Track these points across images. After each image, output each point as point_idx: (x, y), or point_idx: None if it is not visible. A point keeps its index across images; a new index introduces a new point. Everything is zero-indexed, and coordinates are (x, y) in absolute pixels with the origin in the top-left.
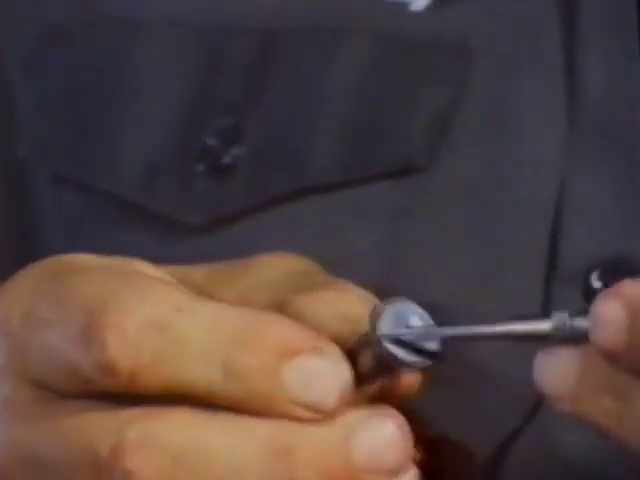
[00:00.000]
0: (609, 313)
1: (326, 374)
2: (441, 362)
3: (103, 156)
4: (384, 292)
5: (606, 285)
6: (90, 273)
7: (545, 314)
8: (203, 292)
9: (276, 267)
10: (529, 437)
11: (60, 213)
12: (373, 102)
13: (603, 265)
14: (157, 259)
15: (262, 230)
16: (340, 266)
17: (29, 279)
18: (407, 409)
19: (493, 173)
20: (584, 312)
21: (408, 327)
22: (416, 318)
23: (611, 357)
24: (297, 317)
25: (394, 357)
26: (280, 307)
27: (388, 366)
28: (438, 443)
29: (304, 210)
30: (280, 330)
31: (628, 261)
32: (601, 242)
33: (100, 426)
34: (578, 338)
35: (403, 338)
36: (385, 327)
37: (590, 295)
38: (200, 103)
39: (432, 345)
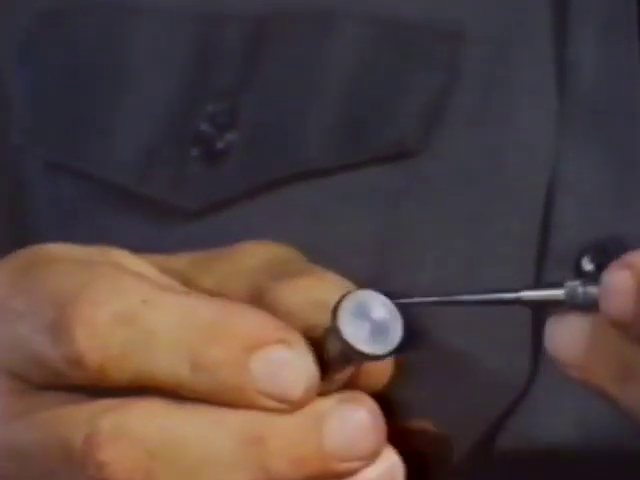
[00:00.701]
0: (618, 282)
1: (292, 365)
2: (404, 352)
3: (97, 143)
4: (377, 277)
5: (598, 268)
6: (61, 264)
7: (558, 283)
8: (184, 280)
9: (256, 254)
10: (517, 421)
11: (53, 200)
12: (367, 87)
13: (595, 248)
14: (151, 245)
15: (256, 215)
16: (334, 250)
17: (4, 270)
18: (388, 397)
19: (486, 157)
20: (597, 281)
21: (369, 316)
22: (380, 308)
23: (620, 326)
24: (272, 305)
25: (352, 348)
26: (257, 295)
27: (351, 356)
28: (422, 432)
29: (298, 195)
30: (247, 322)
31: (620, 243)
32: (593, 225)
33: (73, 417)
34: (590, 306)
35: (365, 328)
36: (345, 316)
37: (583, 277)
38: (193, 89)
39: (395, 334)
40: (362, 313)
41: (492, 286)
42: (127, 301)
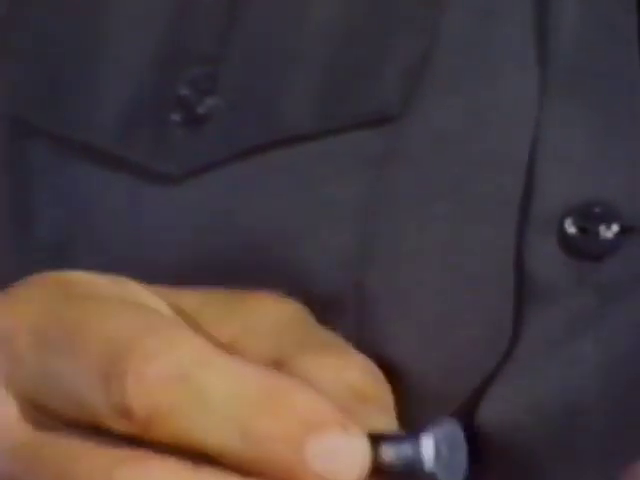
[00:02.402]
0: None
1: (348, 451)
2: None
3: (75, 106)
4: (361, 243)
5: (581, 231)
6: (110, 306)
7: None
8: (199, 320)
9: (274, 311)
10: (505, 383)
11: (25, 163)
12: (349, 51)
13: (578, 211)
14: (132, 209)
15: (239, 180)
16: (317, 215)
17: (37, 294)
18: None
19: (468, 121)
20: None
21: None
22: (458, 442)
23: None
24: (299, 377)
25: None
26: (279, 360)
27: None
28: None
29: (281, 160)
30: (305, 400)
31: (603, 206)
32: (576, 188)
33: (90, 463)
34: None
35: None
36: (430, 449)
37: (565, 241)
38: (172, 52)
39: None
40: (444, 445)
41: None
42: (181, 358)
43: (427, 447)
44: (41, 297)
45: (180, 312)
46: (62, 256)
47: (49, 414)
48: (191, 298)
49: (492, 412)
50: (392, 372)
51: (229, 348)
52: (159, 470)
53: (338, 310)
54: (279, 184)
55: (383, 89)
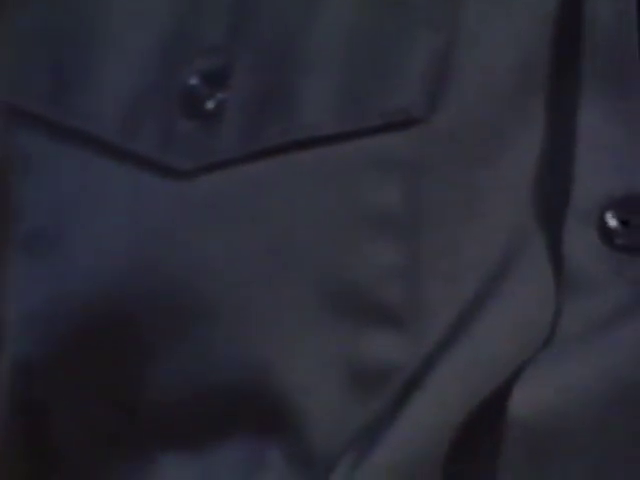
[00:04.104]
0: None
1: None
2: None
3: (77, 95)
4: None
5: (622, 223)
6: None
7: None
8: None
9: None
10: (540, 369)
11: (23, 153)
12: (367, 47)
13: (619, 203)
14: (129, 200)
15: (252, 181)
16: (345, 223)
17: None
18: None
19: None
20: None
21: None
22: None
23: None
24: None
25: None
26: None
27: None
28: None
29: (303, 162)
30: None
31: None
32: (617, 179)
33: None
34: None
35: None
36: None
37: (606, 233)
38: (180, 41)
39: None
40: None
41: None
42: None
43: None
44: None
45: None
46: (49, 243)
47: None
48: None
49: (524, 396)
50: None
51: None
52: None
53: (393, 324)
54: (301, 186)
55: (407, 88)
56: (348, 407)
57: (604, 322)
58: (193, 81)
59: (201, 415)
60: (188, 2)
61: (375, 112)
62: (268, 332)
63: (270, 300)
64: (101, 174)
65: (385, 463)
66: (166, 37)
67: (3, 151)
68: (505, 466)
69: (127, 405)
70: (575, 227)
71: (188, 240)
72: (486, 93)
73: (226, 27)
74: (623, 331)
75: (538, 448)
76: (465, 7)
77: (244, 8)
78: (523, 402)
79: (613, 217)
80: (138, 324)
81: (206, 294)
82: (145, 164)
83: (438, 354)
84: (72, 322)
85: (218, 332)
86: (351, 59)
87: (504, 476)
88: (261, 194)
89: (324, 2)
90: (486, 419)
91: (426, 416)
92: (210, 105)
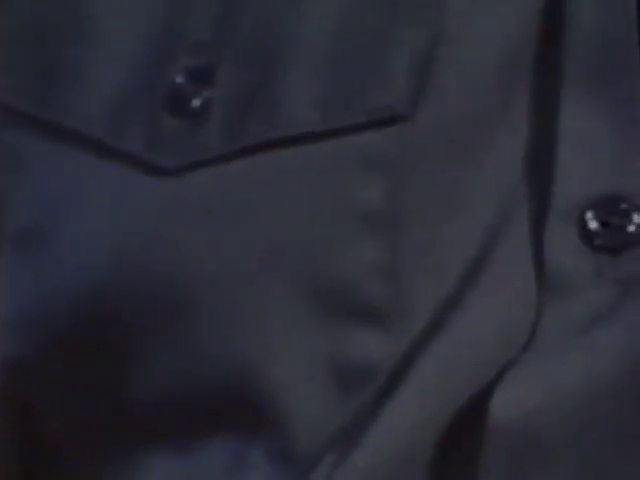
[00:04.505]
0: None
1: None
2: None
3: (63, 92)
4: (385, 260)
5: (602, 224)
6: None
7: None
8: None
9: None
10: (522, 371)
11: (11, 151)
12: (351, 44)
13: (599, 203)
14: (117, 197)
15: (238, 178)
16: (323, 224)
17: None
18: None
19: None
20: None
21: None
22: None
23: None
24: None
25: None
26: None
27: None
28: None
29: (286, 159)
30: None
31: (624, 200)
32: (597, 180)
33: None
34: None
35: None
36: None
37: (586, 234)
38: (166, 38)
39: None
40: None
41: None
42: None
43: None
44: None
45: None
46: (37, 242)
47: None
48: None
49: (505, 400)
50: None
51: None
52: None
53: (377, 321)
54: (287, 184)
55: (391, 85)
56: (331, 405)
57: (585, 323)
58: (179, 79)
59: (186, 414)
60: (174, 0)
61: (360, 109)
62: (252, 330)
63: (254, 298)
64: (89, 173)
65: (366, 463)
66: (152, 35)
67: None
68: (486, 469)
69: (112, 405)
70: (556, 227)
71: (174, 238)
72: (470, 90)
73: (211, 24)
74: (604, 332)
75: (519, 451)
76: (449, 4)
77: (229, 5)
78: (504, 405)
79: (593, 218)
80: (123, 323)
81: (191, 292)
82: (132, 162)
83: (419, 352)
84: (58, 321)
85: (202, 330)
86: (336, 56)
87: (485, 479)
88: (246, 192)
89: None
90: (467, 421)
91: (407, 416)
92: (196, 103)
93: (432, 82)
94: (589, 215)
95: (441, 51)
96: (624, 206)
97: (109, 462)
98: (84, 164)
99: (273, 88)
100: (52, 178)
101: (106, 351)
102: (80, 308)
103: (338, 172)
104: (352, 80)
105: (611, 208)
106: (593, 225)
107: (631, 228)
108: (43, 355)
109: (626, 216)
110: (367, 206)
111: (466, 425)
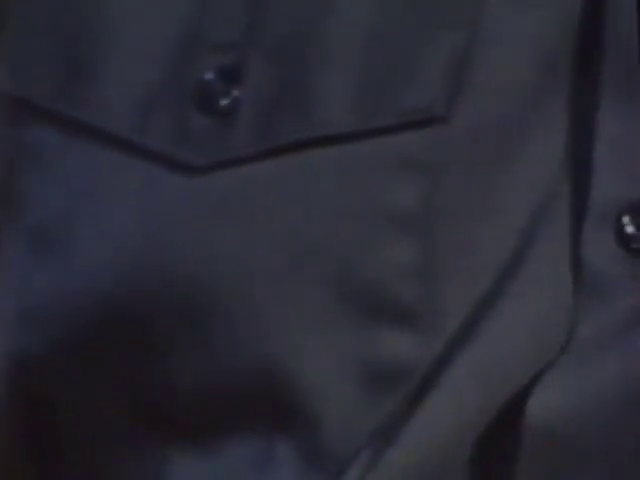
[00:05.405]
0: None
1: None
2: None
3: (89, 89)
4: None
5: (639, 229)
6: None
7: None
8: None
9: None
10: (558, 374)
11: (33, 147)
12: (382, 45)
13: (636, 207)
14: (141, 195)
15: (270, 178)
16: (360, 226)
17: None
18: None
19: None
20: None
21: None
22: None
23: None
24: None
25: None
26: None
27: None
28: None
29: (321, 160)
30: None
31: None
32: (633, 184)
33: None
34: None
35: None
36: None
37: (622, 237)
38: (194, 36)
39: None
40: None
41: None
42: None
43: None
44: None
45: None
46: (55, 239)
47: None
48: None
49: (542, 402)
50: None
51: None
52: None
53: (409, 323)
54: (318, 184)
55: (427, 87)
56: (362, 406)
57: (621, 326)
58: (208, 76)
59: (212, 411)
60: None
61: (394, 111)
62: (282, 329)
63: (284, 298)
64: (112, 169)
65: (400, 465)
66: (182, 32)
67: (11, 145)
68: (522, 471)
69: (136, 403)
70: (592, 231)
71: (200, 237)
72: (506, 93)
73: (241, 23)
74: (639, 336)
75: (556, 454)
76: (487, 6)
77: (259, 4)
78: (541, 406)
79: (630, 221)
80: (149, 321)
81: (219, 291)
82: (158, 159)
83: (453, 353)
84: (76, 319)
85: (231, 329)
86: (369, 56)
87: None
88: (275, 192)
89: None
90: (504, 423)
91: (442, 417)
92: (225, 102)
93: (468, 83)
94: (626, 219)
95: (477, 52)
96: None
97: (130, 460)
98: (109, 161)
99: (305, 88)
100: (75, 175)
101: (131, 350)
102: (100, 307)
103: (372, 173)
104: (387, 81)
105: None
106: (630, 229)
107: None
108: (59, 353)
109: None
110: (401, 207)
111: (502, 426)
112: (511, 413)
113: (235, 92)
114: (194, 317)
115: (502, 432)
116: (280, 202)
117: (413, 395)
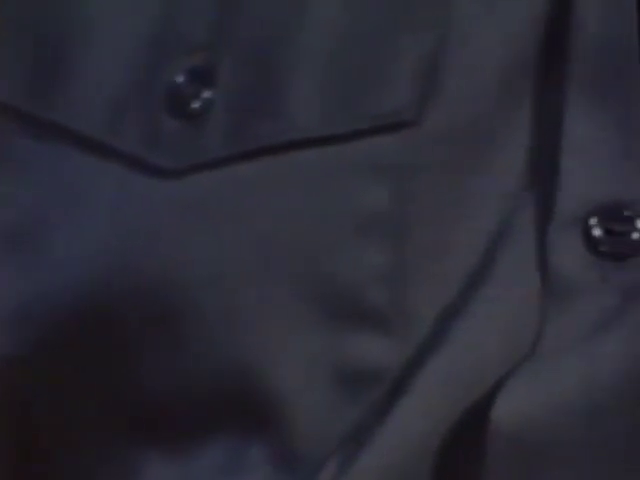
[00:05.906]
0: None
1: None
2: None
3: (63, 91)
4: (394, 267)
5: (606, 230)
6: None
7: None
8: None
9: None
10: (523, 380)
11: (3, 148)
12: (354, 48)
13: (602, 210)
14: (116, 198)
15: (242, 180)
16: (329, 230)
17: None
18: None
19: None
20: None
21: None
22: None
23: None
24: None
25: None
26: None
27: None
28: None
29: (293, 164)
30: None
31: (628, 207)
32: (600, 186)
33: None
34: None
35: None
36: None
37: (589, 240)
38: (165, 38)
39: None
40: None
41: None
42: None
43: None
44: None
45: None
46: (30, 240)
47: None
48: None
49: (507, 407)
50: None
51: None
52: None
53: (380, 326)
54: (289, 187)
55: (397, 90)
56: (334, 409)
57: (588, 330)
58: (179, 79)
59: (185, 414)
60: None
61: (365, 114)
62: (254, 332)
63: (256, 300)
64: (85, 171)
65: (371, 468)
66: (152, 34)
67: None
68: (489, 476)
69: (110, 405)
70: (560, 233)
71: (173, 239)
72: (475, 95)
73: (211, 25)
74: (608, 339)
75: (522, 460)
76: (455, 8)
77: (230, 6)
78: (506, 413)
79: (597, 224)
80: (121, 323)
81: (191, 294)
82: (130, 162)
83: (424, 357)
84: (55, 320)
85: (203, 332)
86: (339, 60)
87: None
88: (247, 194)
89: (311, 0)
90: (471, 428)
91: (412, 421)
92: (196, 104)
93: (438, 86)
94: (593, 222)
95: (447, 54)
96: (628, 213)
97: (106, 462)
98: (82, 164)
99: (275, 92)
100: (49, 178)
101: (104, 351)
102: (78, 308)
103: (343, 177)
104: (357, 84)
105: (615, 215)
106: (597, 232)
107: (635, 235)
108: (40, 354)
109: (630, 223)
110: (372, 211)
111: (469, 431)
112: (477, 418)
113: (206, 94)
114: (165, 318)
115: (468, 437)
116: (251, 205)
117: (384, 399)
